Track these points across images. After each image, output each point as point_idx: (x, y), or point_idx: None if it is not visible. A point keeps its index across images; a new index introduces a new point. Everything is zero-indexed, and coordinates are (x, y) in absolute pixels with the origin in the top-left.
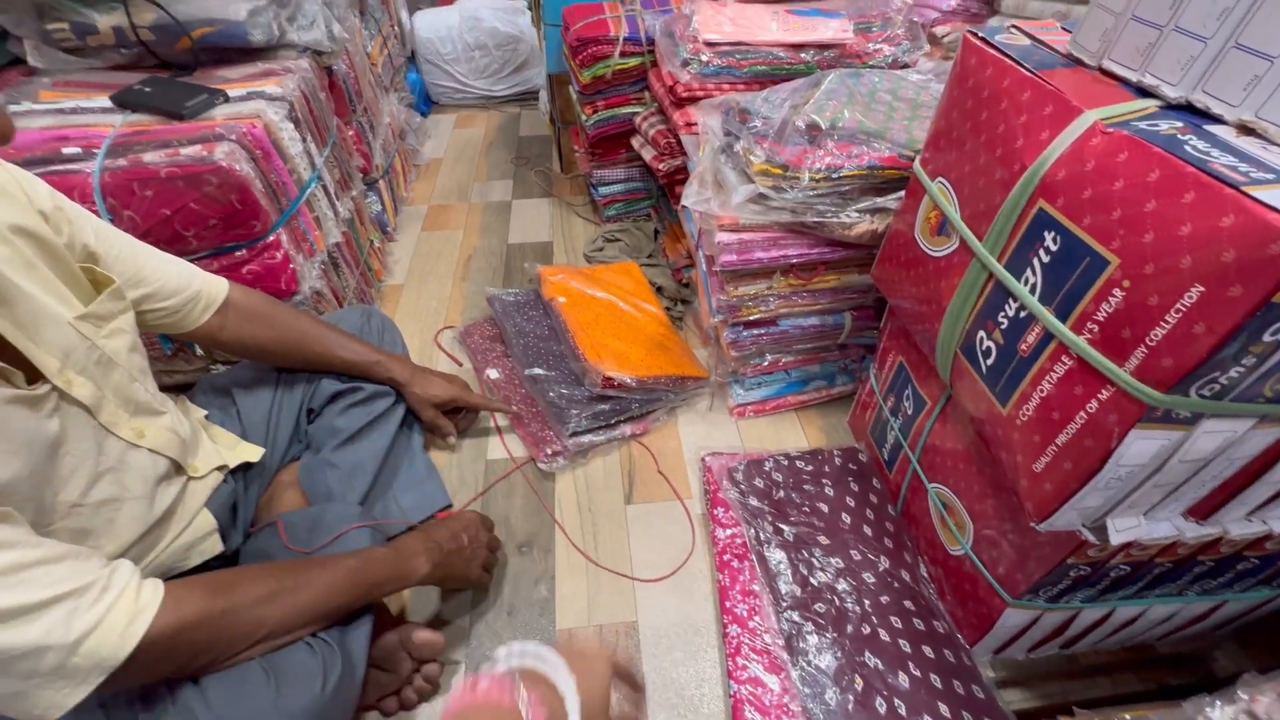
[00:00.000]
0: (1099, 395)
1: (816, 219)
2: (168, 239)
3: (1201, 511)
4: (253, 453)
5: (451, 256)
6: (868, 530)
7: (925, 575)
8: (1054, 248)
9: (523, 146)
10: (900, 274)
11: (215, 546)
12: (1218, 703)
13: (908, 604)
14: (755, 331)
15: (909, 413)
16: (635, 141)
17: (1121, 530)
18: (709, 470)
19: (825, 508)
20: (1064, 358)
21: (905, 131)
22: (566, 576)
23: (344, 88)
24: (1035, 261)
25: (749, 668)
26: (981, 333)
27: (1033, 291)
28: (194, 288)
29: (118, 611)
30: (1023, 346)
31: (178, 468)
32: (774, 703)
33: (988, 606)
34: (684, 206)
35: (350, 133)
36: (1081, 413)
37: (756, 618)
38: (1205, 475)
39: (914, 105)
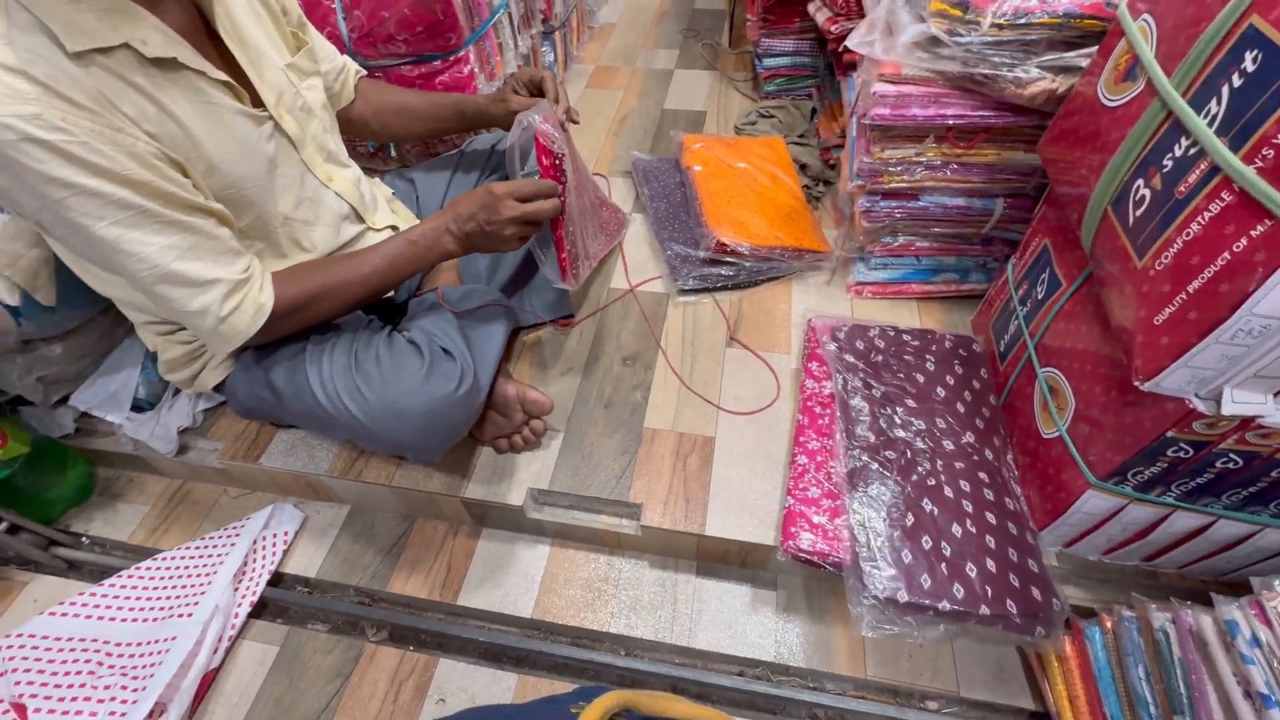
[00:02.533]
0: (1251, 231)
1: (989, 72)
2: (383, 39)
3: None
4: None
5: (609, 114)
6: (961, 408)
7: (1010, 462)
8: (1251, 68)
9: (695, 19)
10: (1071, 144)
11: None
12: None
13: (982, 475)
14: (893, 203)
15: (1039, 297)
16: (811, 6)
17: (1239, 402)
18: (812, 329)
19: (921, 378)
20: (1223, 194)
21: None
22: (660, 390)
23: None
24: (1224, 89)
25: (808, 490)
26: (1140, 180)
27: (1210, 124)
28: (342, 59)
29: (248, 302)
30: (1180, 188)
31: (358, 216)
32: (822, 520)
33: (1068, 489)
34: (846, 69)
35: None
36: (1225, 253)
37: (826, 455)
38: None
39: None
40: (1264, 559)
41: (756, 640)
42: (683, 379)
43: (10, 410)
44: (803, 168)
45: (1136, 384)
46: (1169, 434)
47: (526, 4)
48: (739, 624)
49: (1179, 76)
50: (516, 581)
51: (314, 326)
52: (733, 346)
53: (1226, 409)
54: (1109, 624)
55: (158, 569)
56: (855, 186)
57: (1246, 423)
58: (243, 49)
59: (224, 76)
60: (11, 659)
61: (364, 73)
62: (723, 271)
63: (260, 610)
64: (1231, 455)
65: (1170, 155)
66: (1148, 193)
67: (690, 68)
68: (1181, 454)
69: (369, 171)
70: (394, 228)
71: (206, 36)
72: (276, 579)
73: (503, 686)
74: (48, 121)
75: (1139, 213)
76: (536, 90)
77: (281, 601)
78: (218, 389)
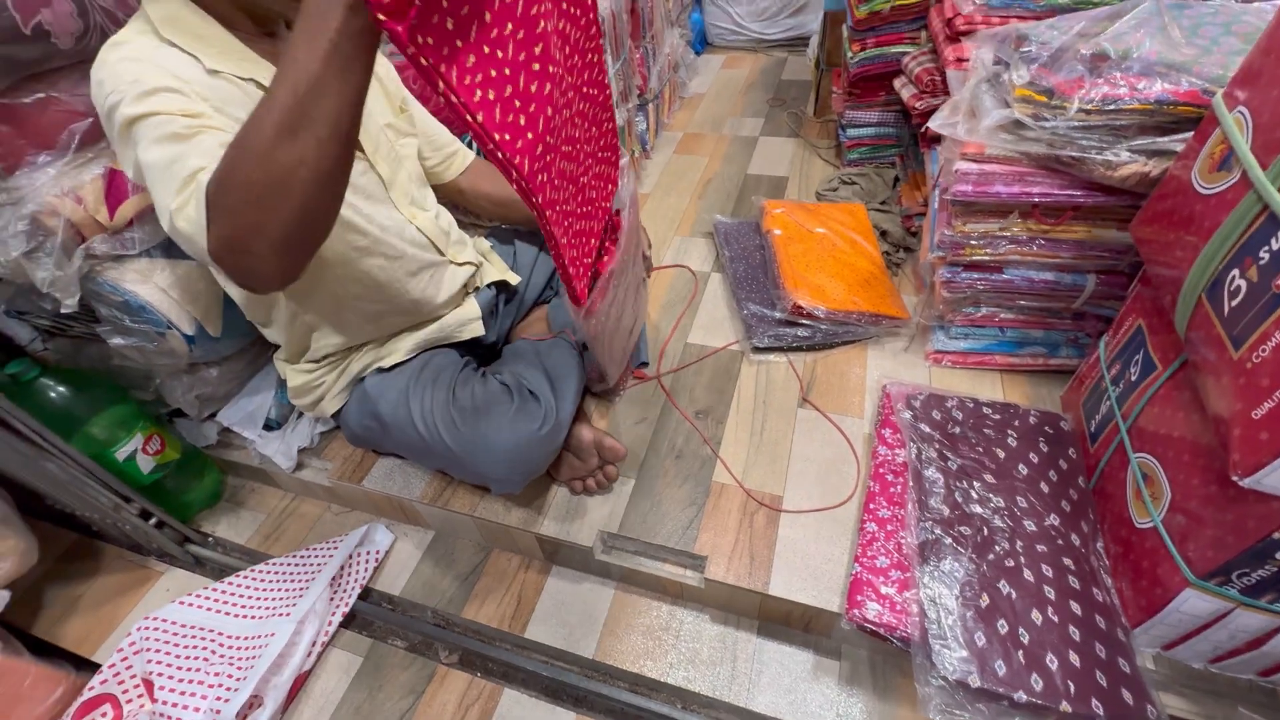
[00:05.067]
0: None
1: (1077, 155)
2: None
3: None
4: (511, 277)
5: (694, 178)
6: (1045, 488)
7: (1100, 550)
8: None
9: (781, 89)
10: (1165, 227)
11: (478, 329)
12: None
13: (1067, 561)
14: (974, 275)
15: (1133, 379)
16: (897, 82)
17: None
18: (887, 395)
19: (1002, 454)
20: None
21: (1221, 66)
22: (731, 445)
23: (641, 15)
24: None
25: (877, 559)
26: (1235, 271)
27: None
28: (455, 147)
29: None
30: (1278, 281)
31: (436, 249)
32: (891, 592)
33: (1164, 585)
34: (930, 142)
35: (637, 55)
36: None
37: (896, 524)
38: None
39: (1249, 39)
40: None
41: (816, 711)
42: (753, 434)
43: (168, 421)
44: (883, 234)
45: (1235, 479)
46: (1276, 535)
47: (625, 82)
48: (799, 691)
49: (1276, 170)
50: (581, 621)
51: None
52: (805, 407)
53: None
54: None
55: (267, 572)
56: (936, 258)
57: None
58: None
59: None
60: (147, 639)
61: (475, 157)
62: (798, 333)
63: (350, 621)
64: None
65: (1268, 248)
66: (1243, 284)
67: (775, 135)
68: None
69: (471, 227)
70: (474, 264)
71: None
72: (366, 593)
73: None
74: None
75: (1235, 303)
76: None
77: (368, 615)
78: (334, 416)
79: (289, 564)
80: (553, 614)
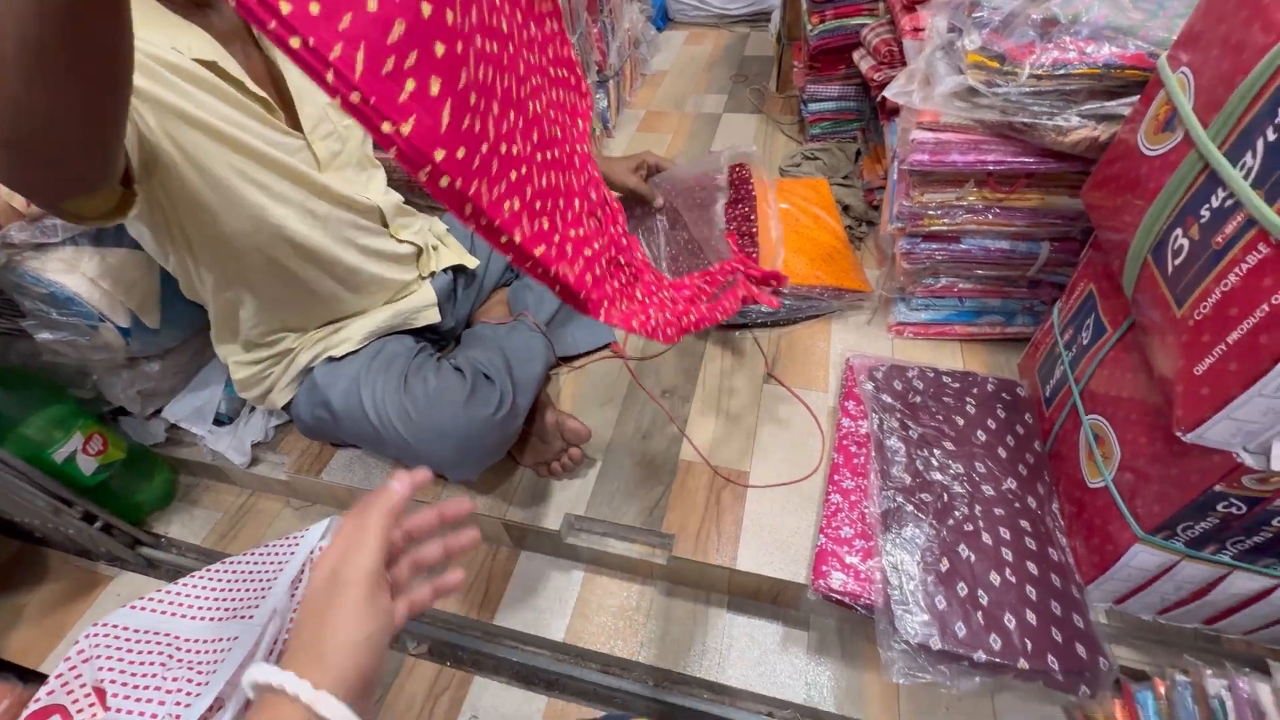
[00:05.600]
0: None
1: (1029, 120)
2: None
3: None
4: (469, 261)
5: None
6: (1002, 453)
7: (1055, 511)
8: None
9: (744, 65)
10: (1114, 191)
11: (434, 315)
12: None
13: (1024, 524)
14: (933, 246)
15: (1084, 343)
16: (856, 54)
17: None
18: (850, 368)
19: (961, 421)
20: (1260, 246)
21: (1167, 29)
22: (697, 423)
23: None
24: (1259, 143)
25: (841, 530)
26: (1178, 230)
27: (1246, 176)
28: None
29: None
30: (1218, 239)
31: (379, 221)
32: (855, 561)
33: (1115, 541)
34: (889, 115)
35: (594, 30)
36: (1264, 305)
37: (860, 494)
38: None
39: (1194, 2)
40: None
41: (786, 681)
42: (717, 412)
43: (111, 420)
44: (846, 209)
45: (1179, 434)
46: (1217, 488)
47: (582, 58)
48: (769, 662)
49: (1216, 129)
50: (550, 604)
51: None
52: (770, 383)
53: (1275, 464)
54: (1162, 689)
55: (225, 572)
56: (895, 229)
57: None
58: (287, 72)
59: (261, 92)
60: (96, 646)
61: None
62: (762, 309)
63: None
64: None
65: (1208, 206)
66: (1186, 242)
67: (738, 111)
68: (1234, 510)
69: (429, 210)
70: (415, 245)
71: (261, 62)
72: None
73: (533, 708)
74: None
75: (1178, 262)
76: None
77: None
78: (285, 409)
79: (248, 562)
80: (522, 599)
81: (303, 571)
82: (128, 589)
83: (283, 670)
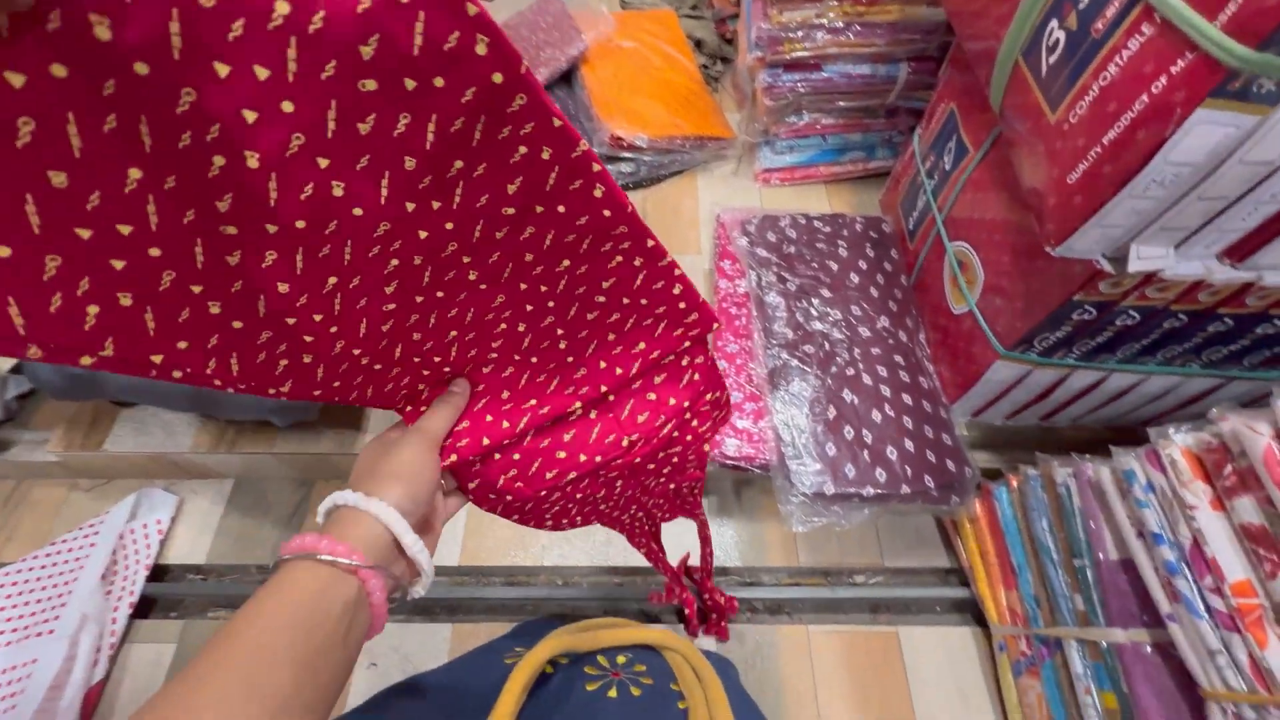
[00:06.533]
0: (1171, 68)
1: None
2: None
3: (1239, 253)
4: None
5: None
6: (874, 292)
7: (923, 340)
8: None
9: None
10: None
11: None
12: (1183, 427)
13: (898, 359)
14: (795, 76)
15: (946, 168)
16: None
17: (1145, 258)
18: (722, 225)
19: (835, 266)
20: (1144, 26)
21: None
22: None
23: None
24: None
25: (730, 395)
26: (1054, 21)
27: None
28: None
29: None
30: (1098, 25)
31: None
32: (747, 425)
33: (978, 361)
34: None
35: None
36: (1144, 96)
37: (745, 357)
38: (1262, 194)
39: None
40: (1147, 403)
41: (692, 546)
42: None
43: None
44: (698, 44)
45: (1048, 249)
46: (1075, 297)
47: None
48: (673, 535)
49: None
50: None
51: None
52: None
53: (1133, 266)
54: (1015, 483)
55: (7, 584)
56: (755, 59)
57: (1149, 278)
58: None
59: None
60: None
61: None
62: (622, 169)
63: (147, 609)
64: (1130, 311)
65: None
66: (1062, 35)
67: None
68: (1086, 316)
69: None
70: None
71: None
72: (160, 572)
73: (438, 640)
74: None
75: (1053, 59)
76: None
77: (172, 595)
78: (16, 371)
79: (35, 567)
80: None
81: (115, 560)
82: None
83: (352, 491)
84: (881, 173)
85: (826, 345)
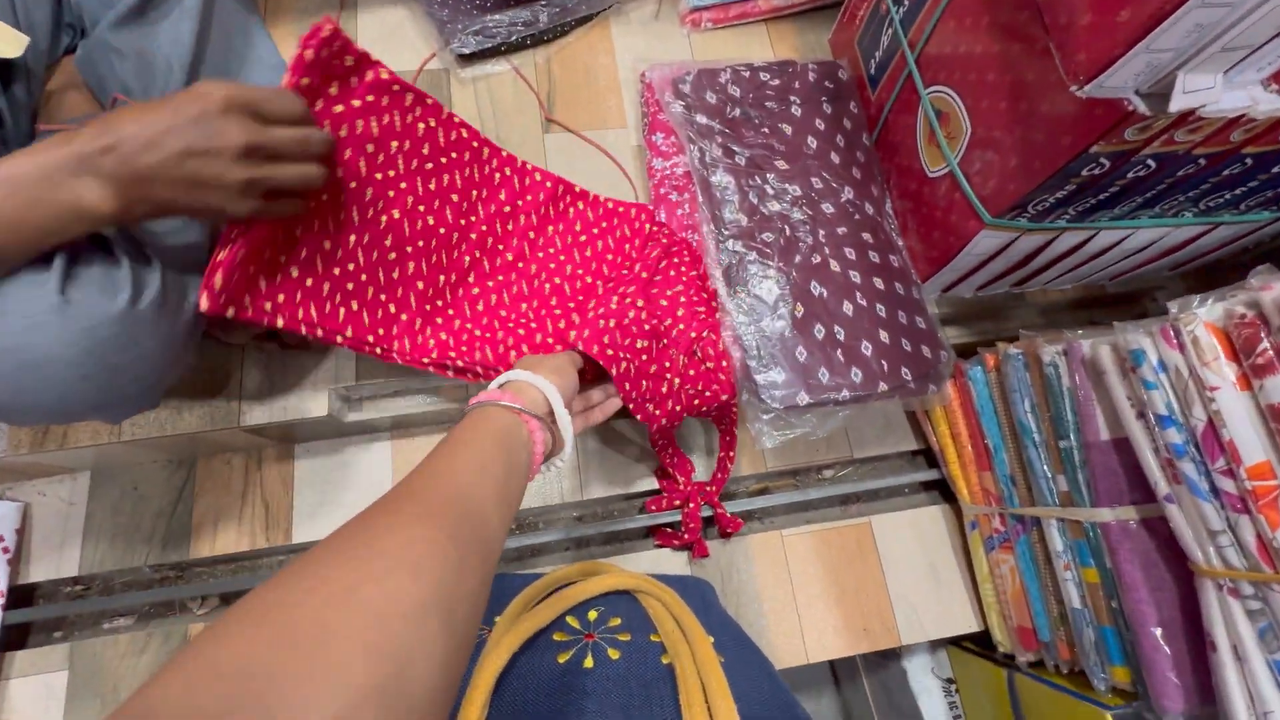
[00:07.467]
0: None
1: None
2: None
3: None
4: (9, 45)
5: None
6: (835, 158)
7: (890, 211)
8: None
9: None
10: None
11: None
12: (1208, 298)
13: (866, 236)
14: None
15: None
16: None
17: (1191, 91)
18: (649, 88)
19: (789, 129)
20: None
21: None
22: None
23: None
24: None
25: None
26: None
27: None
28: None
29: None
30: None
31: None
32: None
33: (958, 232)
34: None
35: None
36: None
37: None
38: None
39: None
40: (1125, 258)
41: (651, 471)
42: None
43: None
44: None
45: (1073, 88)
46: (1094, 149)
47: None
48: (628, 467)
49: None
50: (361, 493)
51: None
52: (552, 131)
53: (1176, 103)
54: (992, 362)
55: None
56: None
57: (1183, 118)
58: None
59: None
60: None
61: None
62: (515, 17)
63: (22, 640)
64: (1148, 160)
65: None
66: None
67: None
68: (1096, 170)
69: None
70: None
71: None
72: (25, 593)
73: None
74: None
75: None
76: None
77: (46, 617)
78: None
79: None
80: (323, 501)
81: None
82: None
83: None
84: (831, 5)
85: (787, 230)
